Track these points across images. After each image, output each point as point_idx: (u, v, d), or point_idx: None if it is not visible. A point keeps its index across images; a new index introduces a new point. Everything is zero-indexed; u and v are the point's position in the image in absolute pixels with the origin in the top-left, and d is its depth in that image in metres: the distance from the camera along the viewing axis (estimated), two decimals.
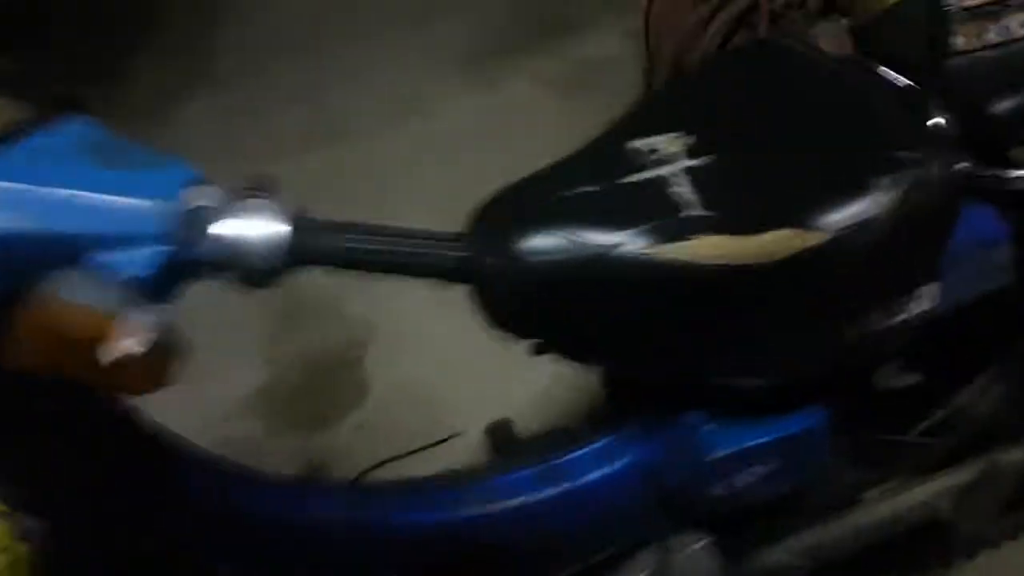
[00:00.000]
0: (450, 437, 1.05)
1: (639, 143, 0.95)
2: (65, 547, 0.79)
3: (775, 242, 0.85)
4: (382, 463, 1.03)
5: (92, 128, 0.68)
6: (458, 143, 2.33)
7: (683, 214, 0.88)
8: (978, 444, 1.18)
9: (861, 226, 0.84)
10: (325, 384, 1.91)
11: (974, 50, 0.95)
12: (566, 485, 1.06)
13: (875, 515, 1.14)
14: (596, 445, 1.08)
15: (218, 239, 0.65)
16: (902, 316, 0.95)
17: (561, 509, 1.05)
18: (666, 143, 0.94)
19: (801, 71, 0.98)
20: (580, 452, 1.08)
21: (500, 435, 1.28)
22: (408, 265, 0.69)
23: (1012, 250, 0.96)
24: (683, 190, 0.89)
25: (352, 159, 2.36)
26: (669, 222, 0.87)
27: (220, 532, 0.98)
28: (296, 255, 0.66)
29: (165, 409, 1.80)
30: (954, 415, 1.16)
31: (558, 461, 1.08)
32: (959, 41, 0.95)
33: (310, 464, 1.61)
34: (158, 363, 0.63)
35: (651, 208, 0.89)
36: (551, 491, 1.06)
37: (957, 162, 0.92)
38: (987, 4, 0.95)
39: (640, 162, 0.93)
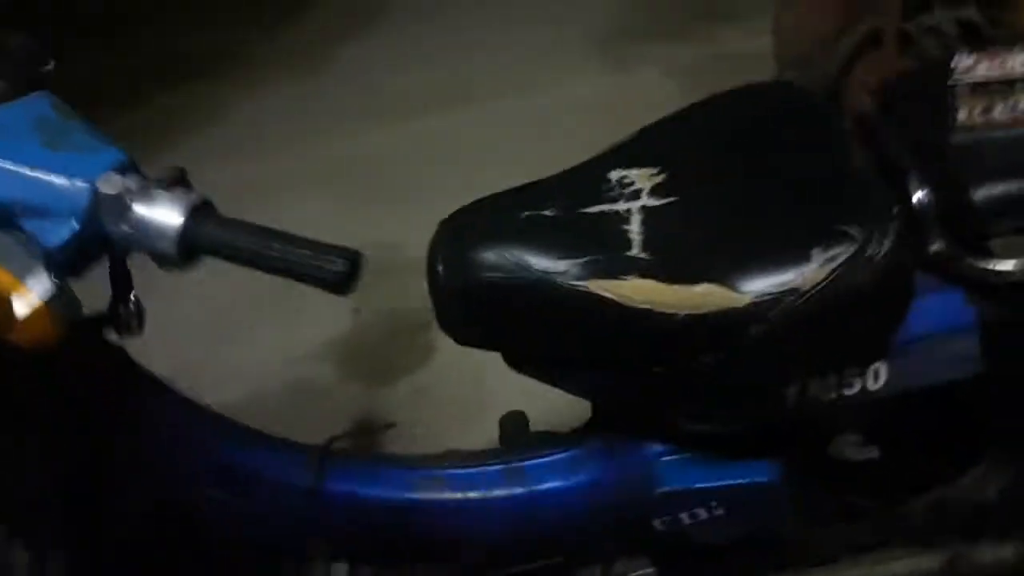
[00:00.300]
0: (387, 427, 1.10)
1: (617, 173, 0.96)
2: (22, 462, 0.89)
3: (700, 297, 0.85)
4: (344, 435, 1.09)
5: (48, 107, 0.77)
6: (572, 118, 2.36)
7: (626, 253, 0.89)
8: (961, 532, 1.13)
9: (784, 295, 0.83)
10: (398, 342, 1.99)
11: (977, 126, 0.90)
12: (522, 488, 1.09)
13: None
14: (560, 455, 1.10)
15: (123, 222, 0.72)
16: (853, 389, 0.92)
17: (514, 510, 1.09)
18: (639, 177, 0.95)
19: (796, 123, 0.96)
20: (544, 459, 1.11)
21: (510, 427, 1.32)
22: (287, 270, 0.74)
23: (980, 340, 0.91)
24: (634, 228, 0.90)
25: (468, 122, 2.43)
26: (610, 259, 0.89)
27: (201, 478, 1.05)
28: (186, 245, 0.72)
29: (254, 343, 1.95)
30: (944, 500, 1.12)
31: (521, 464, 1.11)
32: (962, 115, 0.90)
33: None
34: (46, 324, 0.71)
35: (600, 242, 0.90)
36: (507, 491, 1.09)
37: (925, 242, 0.89)
38: (995, 82, 0.89)
39: (609, 193, 0.94)
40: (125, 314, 0.88)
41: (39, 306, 0.70)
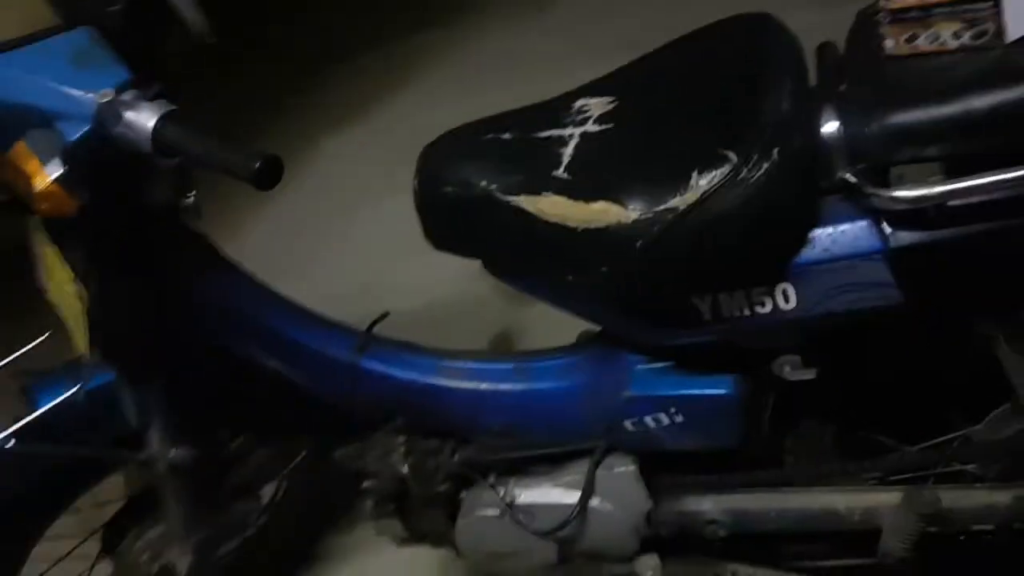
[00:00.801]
0: (382, 317, 1.26)
1: (581, 101, 1.06)
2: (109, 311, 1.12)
3: (597, 213, 0.94)
4: (382, 318, 1.26)
5: (87, 40, 0.99)
6: None
7: (551, 172, 0.99)
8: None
9: (665, 212, 0.90)
10: None
11: (905, 56, 0.90)
12: (525, 384, 1.22)
13: (808, 502, 1.13)
14: (562, 359, 1.22)
15: (119, 126, 0.93)
16: (766, 308, 0.96)
17: (517, 402, 1.22)
18: (596, 106, 1.04)
19: (745, 57, 0.99)
20: (548, 361, 1.23)
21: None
22: (220, 167, 0.90)
23: (890, 267, 0.91)
24: (568, 151, 1.00)
25: None
26: (537, 177, 1.00)
27: (249, 338, 1.25)
28: (157, 144, 0.91)
29: (424, 263, 2.17)
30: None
31: (528, 364, 1.24)
32: (889, 44, 0.90)
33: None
34: (60, 199, 0.94)
35: (535, 162, 1.01)
36: (513, 385, 1.22)
37: (832, 170, 0.91)
38: (913, 7, 0.88)
39: (564, 119, 1.04)
40: (184, 207, 1.11)
41: (52, 185, 0.93)
